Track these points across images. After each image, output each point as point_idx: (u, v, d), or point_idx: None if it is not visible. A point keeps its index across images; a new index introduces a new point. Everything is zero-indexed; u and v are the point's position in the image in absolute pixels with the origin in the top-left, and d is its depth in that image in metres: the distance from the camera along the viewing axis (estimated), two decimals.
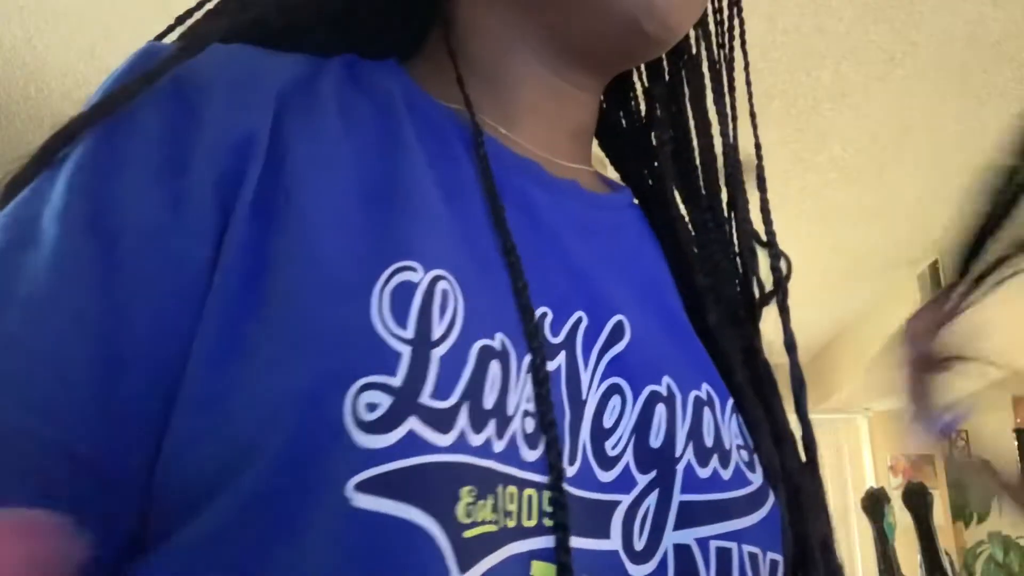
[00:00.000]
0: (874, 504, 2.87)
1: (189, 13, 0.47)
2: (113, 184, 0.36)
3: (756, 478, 0.44)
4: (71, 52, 2.31)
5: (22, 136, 2.67)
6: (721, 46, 0.58)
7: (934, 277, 3.65)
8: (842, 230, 3.49)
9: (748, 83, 0.59)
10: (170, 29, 0.46)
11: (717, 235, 0.55)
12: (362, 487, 0.31)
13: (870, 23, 2.24)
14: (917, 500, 2.76)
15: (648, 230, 0.55)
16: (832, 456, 5.34)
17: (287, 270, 0.35)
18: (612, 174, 0.61)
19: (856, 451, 5.35)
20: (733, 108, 0.57)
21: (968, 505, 5.03)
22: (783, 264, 0.53)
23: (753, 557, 0.41)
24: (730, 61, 0.57)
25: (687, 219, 0.56)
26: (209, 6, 0.48)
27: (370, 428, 0.31)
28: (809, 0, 2.16)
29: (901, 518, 2.92)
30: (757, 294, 0.54)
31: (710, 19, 0.59)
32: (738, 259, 0.54)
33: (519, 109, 0.50)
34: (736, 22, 0.58)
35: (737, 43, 0.58)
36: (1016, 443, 5.28)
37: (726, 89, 0.57)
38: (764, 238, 0.54)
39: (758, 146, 0.55)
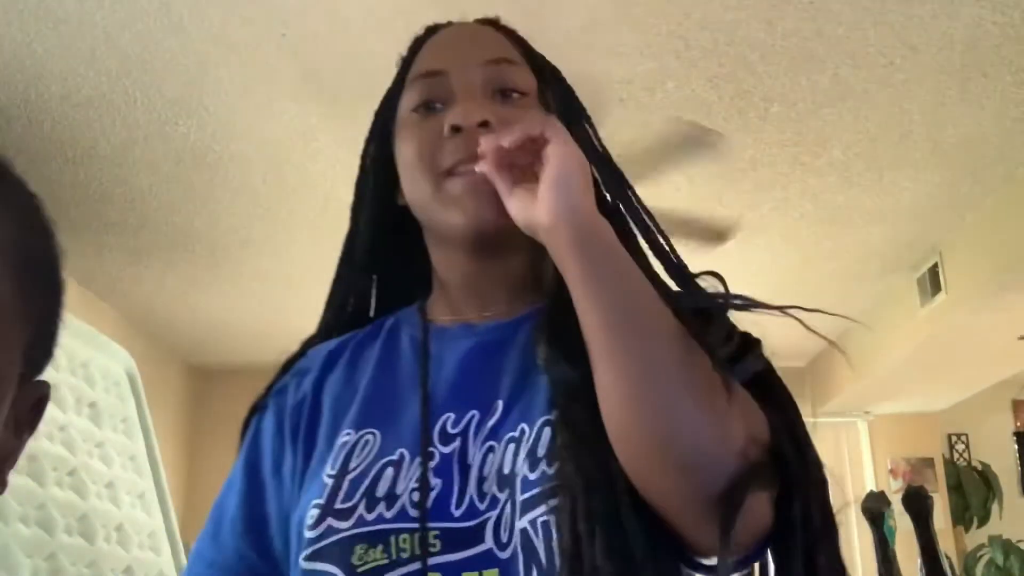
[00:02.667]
0: (874, 508, 2.87)
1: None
2: (260, 446, 0.81)
3: (549, 470, 0.66)
4: (71, 56, 2.31)
5: (21, 140, 2.67)
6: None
7: (933, 281, 3.66)
8: (842, 233, 3.50)
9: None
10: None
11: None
12: (306, 557, 0.69)
13: (869, 27, 2.25)
14: (917, 504, 2.76)
15: (541, 330, 0.75)
16: (832, 460, 5.33)
17: (313, 458, 0.77)
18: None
19: (856, 454, 5.35)
20: None
21: (969, 508, 5.03)
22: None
23: (549, 524, 0.64)
24: None
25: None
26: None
27: (311, 527, 0.70)
28: (809, 4, 2.16)
29: (901, 522, 2.92)
30: None
31: None
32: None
33: (461, 295, 0.81)
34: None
35: None
36: (1016, 446, 5.28)
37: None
38: None
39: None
